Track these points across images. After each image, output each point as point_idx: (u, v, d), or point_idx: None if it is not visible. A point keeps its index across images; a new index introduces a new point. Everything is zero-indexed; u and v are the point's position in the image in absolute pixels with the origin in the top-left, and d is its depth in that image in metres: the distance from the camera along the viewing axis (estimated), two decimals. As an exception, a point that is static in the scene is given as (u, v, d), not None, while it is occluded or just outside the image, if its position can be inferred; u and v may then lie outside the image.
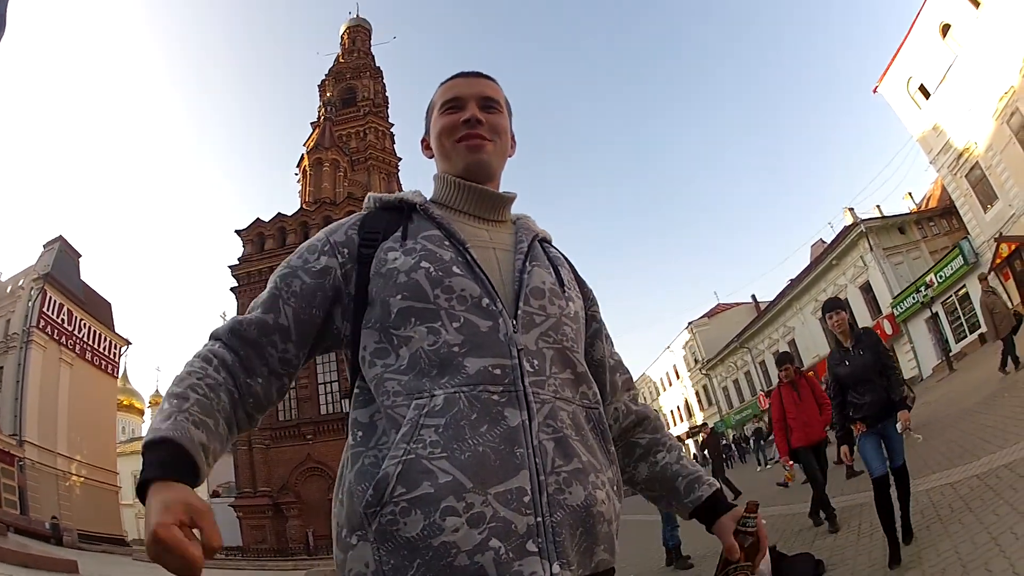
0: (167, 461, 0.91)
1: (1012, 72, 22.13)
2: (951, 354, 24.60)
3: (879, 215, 32.60)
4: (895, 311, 29.03)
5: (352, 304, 1.14)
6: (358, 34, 47.83)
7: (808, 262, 39.27)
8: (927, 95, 27.53)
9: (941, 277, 26.58)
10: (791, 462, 6.88)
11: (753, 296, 50.79)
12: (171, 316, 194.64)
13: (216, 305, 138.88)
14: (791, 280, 39.40)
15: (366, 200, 1.28)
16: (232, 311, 34.77)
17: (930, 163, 28.79)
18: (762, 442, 24.17)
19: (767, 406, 37.73)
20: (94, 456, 34.74)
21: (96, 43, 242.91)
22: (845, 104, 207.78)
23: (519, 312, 1.10)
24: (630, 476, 1.32)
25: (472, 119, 1.24)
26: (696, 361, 52.74)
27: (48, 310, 33.05)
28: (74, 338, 35.42)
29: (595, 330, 1.33)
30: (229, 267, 35.01)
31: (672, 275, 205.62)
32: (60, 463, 31.33)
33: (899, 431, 4.56)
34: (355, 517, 0.98)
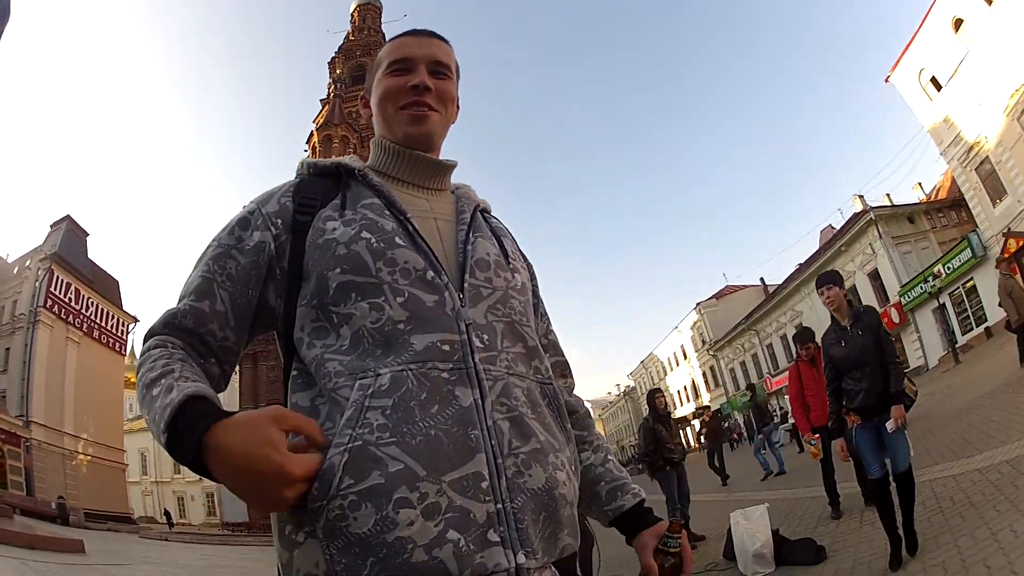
0: (210, 410, 0.84)
1: (1024, 69, 21.94)
2: (957, 346, 24.55)
3: (889, 203, 32.52)
4: (903, 300, 28.99)
5: (285, 279, 1.05)
6: (368, 12, 48.14)
7: (817, 247, 39.19)
8: (939, 87, 27.28)
9: (949, 268, 26.47)
10: (816, 435, 6.59)
11: (762, 279, 51.15)
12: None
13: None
14: (800, 264, 39.41)
15: (299, 166, 1.18)
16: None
17: (940, 155, 28.59)
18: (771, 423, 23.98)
19: (774, 388, 37.96)
20: (101, 434, 35.07)
21: (102, 27, 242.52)
22: (858, 92, 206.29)
23: (465, 285, 1.04)
24: None
25: (421, 85, 1.15)
26: (704, 342, 52.95)
27: (55, 290, 33.28)
28: (82, 317, 35.72)
29: (533, 305, 1.23)
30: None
31: (683, 255, 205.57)
32: (67, 442, 31.71)
33: (889, 430, 4.14)
34: (300, 512, 0.87)
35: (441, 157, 1.23)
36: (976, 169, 26.33)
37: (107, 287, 39.34)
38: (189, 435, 0.82)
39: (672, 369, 61.66)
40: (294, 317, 1.03)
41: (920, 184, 36.34)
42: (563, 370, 1.29)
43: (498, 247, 1.15)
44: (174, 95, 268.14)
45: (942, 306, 26.63)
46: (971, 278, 25.69)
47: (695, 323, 54.30)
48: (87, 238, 38.98)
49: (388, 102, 1.17)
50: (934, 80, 27.50)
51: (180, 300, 1.05)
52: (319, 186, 1.12)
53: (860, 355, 4.28)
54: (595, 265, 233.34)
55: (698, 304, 53.37)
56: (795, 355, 7.15)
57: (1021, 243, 22.10)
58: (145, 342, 1.03)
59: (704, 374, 54.52)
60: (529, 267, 1.28)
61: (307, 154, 39.89)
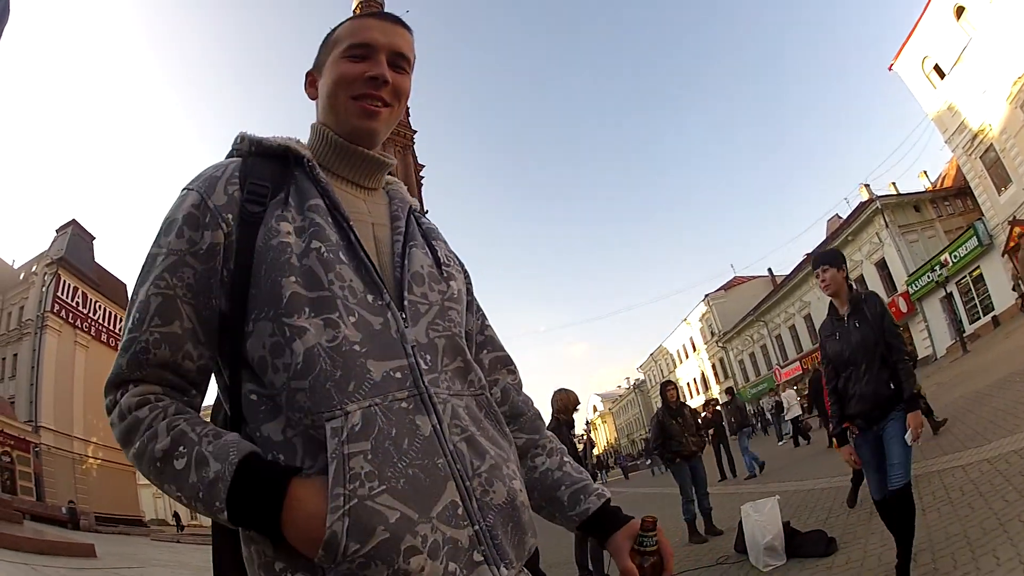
0: (270, 466, 0.88)
1: (1026, 58, 21.88)
2: (965, 335, 24.46)
3: (894, 192, 32.39)
4: (910, 289, 28.89)
5: (231, 281, 0.96)
6: (370, 6, 48.01)
7: (824, 237, 39.08)
8: (942, 75, 27.20)
9: (956, 257, 26.39)
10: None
11: (769, 270, 50.98)
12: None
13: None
14: (807, 254, 39.28)
15: (238, 140, 1.09)
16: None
17: (945, 143, 28.52)
18: (782, 414, 23.98)
19: (783, 379, 37.75)
20: (111, 438, 34.37)
21: (102, 27, 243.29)
22: (862, 80, 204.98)
23: (405, 303, 1.00)
24: None
25: (380, 78, 1.08)
26: (713, 334, 52.97)
27: (62, 294, 33.41)
28: (89, 320, 35.86)
29: (467, 303, 1.19)
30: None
31: (691, 247, 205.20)
32: (76, 446, 31.82)
33: (908, 442, 3.38)
34: (296, 556, 0.86)
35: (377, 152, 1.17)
36: (981, 157, 26.25)
37: (114, 290, 39.44)
38: (258, 500, 0.85)
39: (682, 361, 61.67)
40: (241, 325, 0.96)
41: (926, 172, 36.26)
42: (506, 365, 1.26)
43: (431, 256, 1.11)
44: (174, 96, 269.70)
45: (949, 295, 26.55)
46: (978, 266, 25.62)
47: (704, 315, 54.33)
48: (93, 242, 39.21)
49: (341, 89, 1.09)
50: (937, 68, 27.42)
51: (141, 326, 0.94)
52: (266, 170, 1.04)
53: (852, 352, 3.61)
54: (602, 260, 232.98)
55: (706, 296, 53.41)
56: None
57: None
58: (116, 392, 0.95)
59: (713, 366, 54.53)
60: (462, 267, 1.23)
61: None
